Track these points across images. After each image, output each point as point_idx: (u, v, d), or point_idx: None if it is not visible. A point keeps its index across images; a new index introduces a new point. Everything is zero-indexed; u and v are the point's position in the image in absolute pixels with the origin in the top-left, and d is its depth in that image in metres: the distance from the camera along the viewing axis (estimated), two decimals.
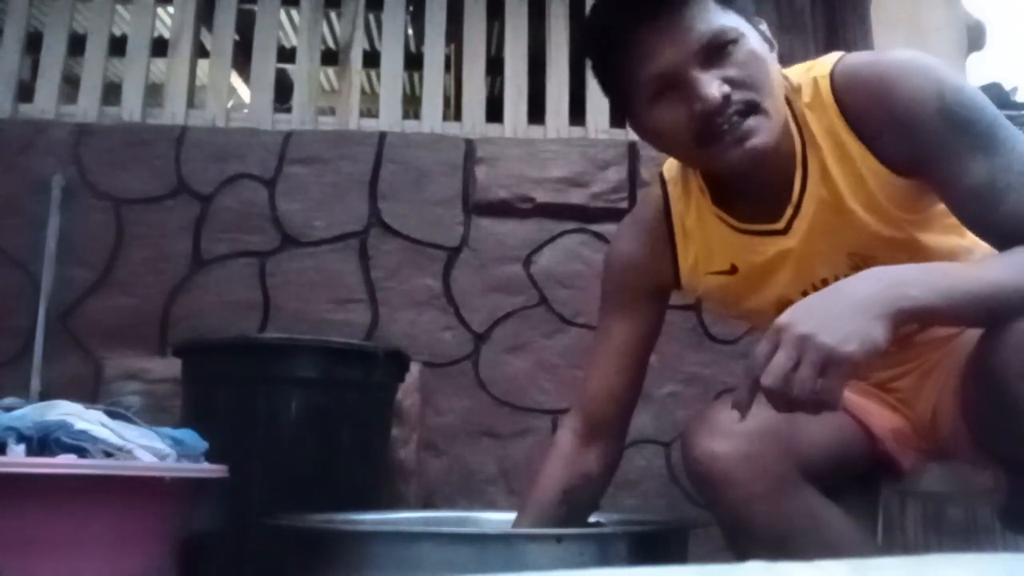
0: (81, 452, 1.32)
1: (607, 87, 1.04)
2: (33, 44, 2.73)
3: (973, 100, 0.92)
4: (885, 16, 2.74)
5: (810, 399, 0.79)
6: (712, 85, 0.91)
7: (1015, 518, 1.00)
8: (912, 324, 0.84)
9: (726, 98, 0.91)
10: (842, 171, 0.98)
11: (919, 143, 0.93)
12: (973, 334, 0.98)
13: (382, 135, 2.56)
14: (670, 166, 1.17)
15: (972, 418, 0.98)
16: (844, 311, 0.80)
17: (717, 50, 0.92)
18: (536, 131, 2.67)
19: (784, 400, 0.80)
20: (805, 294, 0.97)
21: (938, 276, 0.85)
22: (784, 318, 0.83)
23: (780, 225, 1.02)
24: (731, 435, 0.96)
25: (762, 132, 0.92)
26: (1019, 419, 0.83)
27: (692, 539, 1.13)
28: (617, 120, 2.67)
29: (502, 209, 2.50)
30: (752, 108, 0.92)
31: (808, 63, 1.04)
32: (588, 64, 1.04)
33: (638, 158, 2.56)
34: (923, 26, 2.92)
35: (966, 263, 0.93)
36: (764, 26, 1.00)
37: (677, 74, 0.92)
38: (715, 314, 2.32)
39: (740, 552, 0.99)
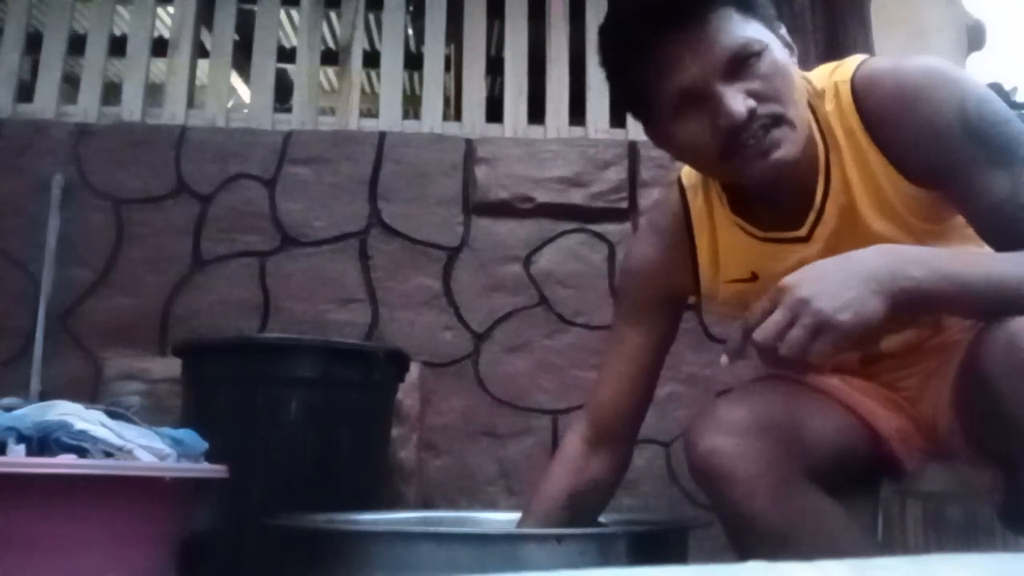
0: (81, 452, 1.31)
1: (624, 96, 1.02)
2: (33, 44, 2.73)
3: (996, 112, 0.91)
4: (885, 16, 2.73)
5: (797, 360, 0.81)
6: (737, 100, 0.89)
7: (1015, 518, 1.00)
8: (912, 305, 0.84)
9: (751, 113, 0.89)
10: (861, 177, 0.97)
11: (939, 156, 0.91)
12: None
13: (382, 135, 2.56)
14: (689, 172, 1.15)
15: (964, 416, 0.98)
16: (846, 280, 0.82)
17: (742, 63, 0.90)
18: (536, 131, 2.67)
19: (772, 357, 0.83)
20: None
21: (946, 261, 0.85)
22: (789, 279, 0.85)
23: (802, 232, 1.01)
24: (734, 432, 0.96)
25: (787, 144, 0.91)
26: (1005, 417, 0.83)
27: (692, 539, 1.13)
28: (617, 120, 2.67)
29: (502, 209, 2.50)
30: (777, 120, 0.91)
31: (831, 65, 1.02)
32: (604, 73, 1.01)
33: (638, 158, 2.56)
34: (923, 26, 2.91)
35: (982, 254, 0.92)
36: (783, 31, 0.98)
37: (701, 89, 0.90)
38: (724, 319, 2.31)
39: (742, 549, 0.99)
